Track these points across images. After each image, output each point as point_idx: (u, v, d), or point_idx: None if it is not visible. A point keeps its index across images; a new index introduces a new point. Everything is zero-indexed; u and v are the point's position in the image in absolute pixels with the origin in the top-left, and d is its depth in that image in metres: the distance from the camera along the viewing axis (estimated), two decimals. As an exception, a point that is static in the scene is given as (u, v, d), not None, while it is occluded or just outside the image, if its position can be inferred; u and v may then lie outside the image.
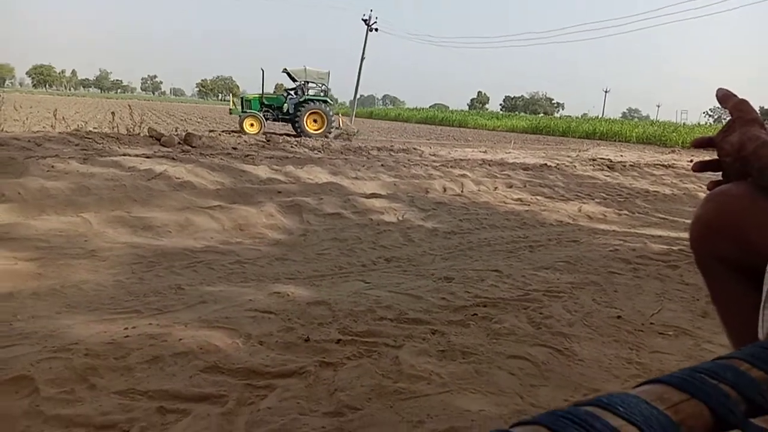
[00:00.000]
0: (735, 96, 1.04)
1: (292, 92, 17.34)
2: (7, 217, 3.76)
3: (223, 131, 13.55)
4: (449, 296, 2.75)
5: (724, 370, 0.51)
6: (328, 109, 16.71)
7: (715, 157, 1.06)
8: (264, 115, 16.31)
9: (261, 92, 17.04)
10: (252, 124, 15.63)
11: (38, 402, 1.59)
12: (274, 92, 18.58)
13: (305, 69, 17.02)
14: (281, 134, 15.19)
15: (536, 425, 0.38)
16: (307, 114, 16.35)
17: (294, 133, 16.29)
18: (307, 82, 17.18)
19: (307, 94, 16.97)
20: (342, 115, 19.43)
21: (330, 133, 16.46)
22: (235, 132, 14.48)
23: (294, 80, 17.30)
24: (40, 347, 1.93)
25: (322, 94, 17.36)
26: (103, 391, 1.67)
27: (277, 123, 17.23)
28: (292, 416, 1.59)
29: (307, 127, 16.27)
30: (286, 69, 17.06)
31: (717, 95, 1.07)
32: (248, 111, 16.18)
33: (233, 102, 17.60)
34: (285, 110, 16.79)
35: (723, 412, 0.46)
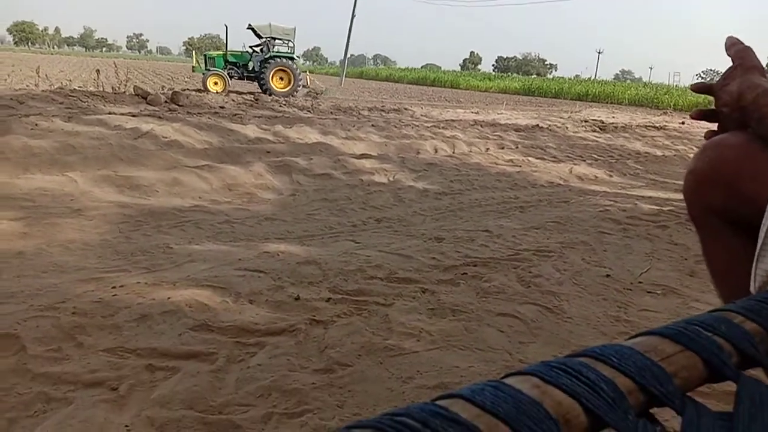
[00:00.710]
0: (741, 43, 1.00)
1: (257, 49, 16.64)
2: (-9, 176, 3.69)
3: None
4: (439, 256, 2.75)
5: (719, 323, 0.50)
6: (294, 66, 16.06)
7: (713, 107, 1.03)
8: (229, 74, 15.56)
9: (225, 50, 16.30)
10: (216, 83, 14.91)
11: (25, 360, 1.57)
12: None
13: (270, 25, 16.32)
14: (248, 94, 14.53)
15: (529, 375, 0.38)
16: (273, 71, 15.71)
17: (260, 92, 15.64)
18: (273, 39, 16.41)
19: (273, 51, 16.27)
20: (309, 72, 18.55)
21: (297, 91, 15.85)
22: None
23: (259, 37, 16.60)
24: (26, 306, 1.91)
25: (289, 51, 16.61)
26: (91, 349, 1.66)
27: (242, 81, 16.58)
28: (282, 373, 1.60)
29: (273, 86, 15.64)
30: (250, 25, 16.34)
31: (725, 42, 1.04)
32: (212, 69, 15.40)
33: (196, 60, 16.83)
34: (251, 68, 16.13)
35: (716, 363, 0.45)
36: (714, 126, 1.04)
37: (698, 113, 1.07)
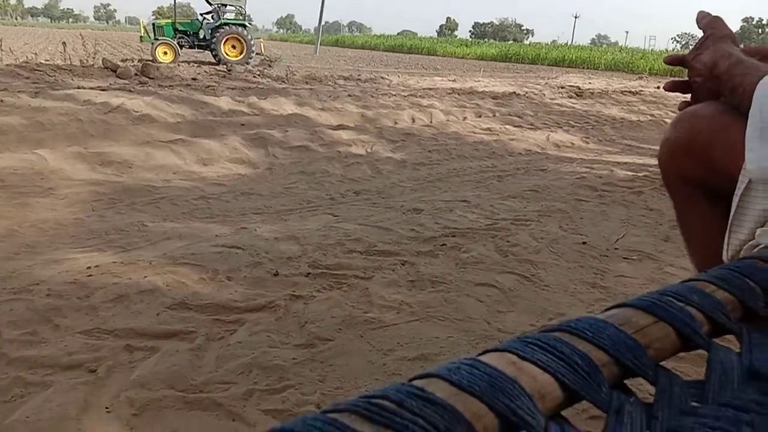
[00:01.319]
0: (710, 15, 1.00)
1: (208, 16, 15.98)
2: (-44, 155, 3.58)
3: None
4: (418, 227, 2.75)
5: (691, 293, 0.51)
6: (246, 33, 15.49)
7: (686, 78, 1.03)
8: (179, 42, 14.95)
9: (173, 18, 15.68)
10: (165, 53, 14.30)
11: (0, 344, 1.55)
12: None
13: None
14: (197, 63, 14.10)
15: (505, 352, 0.38)
16: (225, 39, 15.10)
17: (214, 61, 15.01)
18: (224, 5, 15.74)
19: (224, 19, 15.60)
20: (261, 39, 18.08)
21: (251, 59, 15.28)
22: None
23: (210, 3, 15.92)
24: (-2, 289, 1.87)
25: (240, 17, 16.03)
26: (68, 331, 1.64)
27: (193, 50, 15.98)
28: (262, 349, 1.60)
29: (225, 54, 15.05)
30: None
31: (697, 17, 1.03)
32: (161, 38, 14.75)
33: (144, 29, 15.96)
34: (202, 36, 15.49)
35: (688, 333, 0.46)
36: (688, 97, 1.04)
37: (671, 85, 1.07)
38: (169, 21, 15.49)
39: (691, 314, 0.48)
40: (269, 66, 14.12)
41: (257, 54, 15.83)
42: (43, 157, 3.64)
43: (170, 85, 7.28)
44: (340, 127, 5.54)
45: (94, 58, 10.61)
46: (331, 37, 71.52)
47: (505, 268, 2.28)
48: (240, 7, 15.96)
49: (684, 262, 2.34)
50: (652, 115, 8.64)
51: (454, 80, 13.30)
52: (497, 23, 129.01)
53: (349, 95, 7.63)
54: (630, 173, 4.22)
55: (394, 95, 8.19)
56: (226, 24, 15.36)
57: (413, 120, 6.46)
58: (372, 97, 7.72)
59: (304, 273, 2.14)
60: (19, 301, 1.79)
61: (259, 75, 9.79)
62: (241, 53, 15.27)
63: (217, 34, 15.15)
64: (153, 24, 15.54)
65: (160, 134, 4.60)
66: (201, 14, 16.26)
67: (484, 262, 2.33)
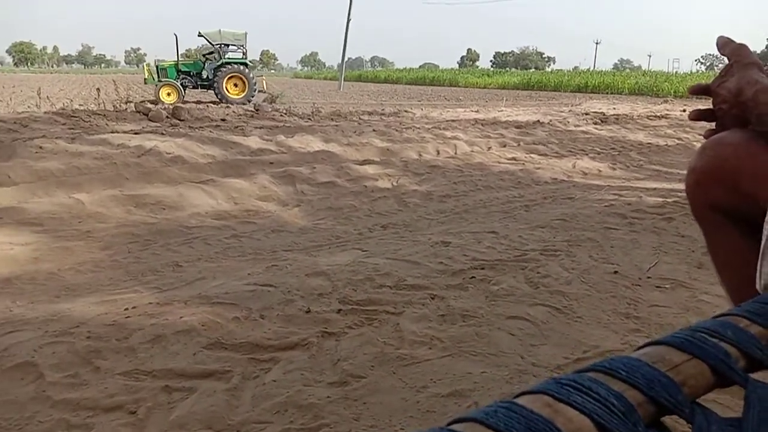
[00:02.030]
0: (733, 41, 1.00)
1: (210, 56, 16.35)
2: (-1, 201, 3.73)
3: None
4: (447, 260, 2.76)
5: (724, 328, 0.51)
6: (248, 71, 15.75)
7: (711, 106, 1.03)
8: (182, 83, 15.35)
9: (176, 59, 15.96)
10: (169, 93, 14.65)
11: (44, 387, 1.60)
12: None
13: (220, 31, 15.98)
14: (206, 102, 14.17)
15: (540, 394, 0.39)
16: (227, 78, 15.37)
17: (216, 100, 15.23)
18: (226, 45, 16.11)
19: (226, 58, 15.91)
20: (264, 77, 18.02)
21: (253, 97, 15.43)
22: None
23: (212, 44, 16.30)
24: (41, 332, 1.93)
25: (241, 56, 16.26)
26: (108, 373, 1.68)
27: (196, 90, 16.33)
28: (297, 388, 1.61)
29: (227, 93, 15.30)
30: (200, 32, 15.96)
31: (717, 43, 1.04)
32: (164, 80, 15.18)
33: (148, 71, 16.36)
34: (204, 76, 15.84)
35: (724, 369, 0.46)
36: (713, 125, 1.04)
37: (696, 114, 1.08)
38: (173, 62, 15.82)
39: (725, 350, 0.48)
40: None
41: (260, 91, 16.05)
42: (80, 200, 3.77)
43: (200, 127, 7.48)
44: (365, 161, 5.62)
45: (126, 102, 10.96)
46: (354, 73, 72.70)
47: (536, 300, 2.27)
48: (241, 46, 16.24)
49: (719, 289, 2.29)
50: (679, 139, 8.55)
51: (477, 111, 13.37)
52: (518, 52, 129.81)
53: (374, 130, 7.73)
54: (659, 199, 4.17)
55: (418, 128, 8.27)
56: (227, 63, 15.63)
57: (438, 152, 6.51)
58: (396, 131, 7.81)
59: (335, 309, 2.16)
60: (60, 344, 1.84)
61: (285, 113, 9.99)
62: (243, 91, 15.50)
63: (219, 73, 15.41)
64: (157, 66, 15.87)
65: (191, 175, 4.72)
66: (204, 54, 16.65)
67: (514, 295, 2.32)
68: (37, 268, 2.70)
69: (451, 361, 1.78)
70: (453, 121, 9.87)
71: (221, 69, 15.53)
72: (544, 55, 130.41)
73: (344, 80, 35.30)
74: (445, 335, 1.96)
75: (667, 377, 0.44)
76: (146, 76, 16.17)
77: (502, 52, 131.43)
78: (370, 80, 61.87)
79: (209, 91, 16.09)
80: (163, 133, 6.37)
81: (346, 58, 35.93)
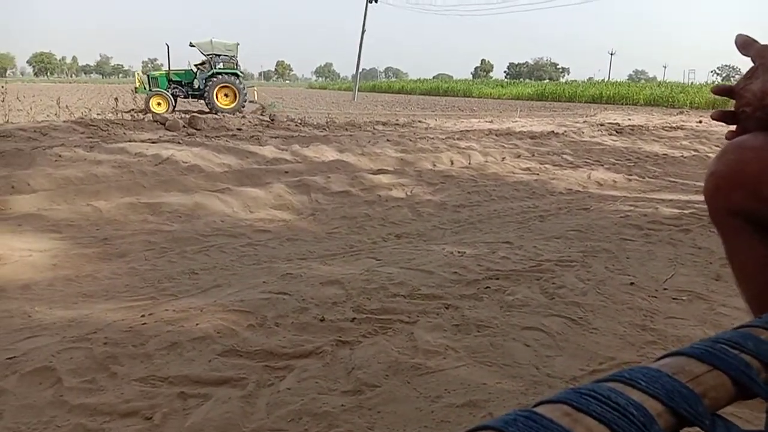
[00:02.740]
0: (756, 42, 0.99)
1: (202, 66, 16.28)
2: (19, 208, 3.78)
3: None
4: (461, 270, 2.76)
5: (745, 339, 0.51)
6: (239, 82, 15.76)
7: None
8: (174, 93, 15.37)
9: (168, 69, 16.01)
10: (159, 103, 14.66)
11: (62, 392, 1.62)
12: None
13: (212, 41, 15.98)
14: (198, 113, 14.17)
15: (560, 403, 0.39)
16: (217, 88, 15.37)
17: (207, 110, 15.16)
18: (217, 55, 16.08)
19: (217, 68, 15.89)
20: (255, 87, 18.04)
21: (243, 107, 15.46)
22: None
23: (204, 54, 16.25)
24: (59, 338, 1.96)
25: (232, 66, 16.21)
26: (124, 378, 1.70)
27: (188, 100, 16.24)
28: (311, 396, 1.62)
29: (218, 103, 15.29)
30: (192, 42, 16.00)
31: (736, 41, 1.01)
32: (155, 89, 15.20)
33: (139, 80, 16.26)
34: (196, 86, 15.84)
35: (745, 381, 0.46)
36: (734, 127, 1.03)
37: (719, 114, 1.06)
38: (164, 72, 15.89)
39: (746, 362, 0.48)
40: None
41: (251, 101, 16.10)
42: (98, 208, 3.82)
43: (216, 136, 7.55)
44: (380, 171, 5.63)
45: (144, 113, 11.08)
46: (368, 83, 72.97)
47: (552, 311, 2.26)
48: (232, 56, 16.27)
49: (737, 301, 2.27)
50: (695, 150, 8.47)
51: (491, 121, 13.37)
52: (532, 63, 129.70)
53: (388, 140, 7.76)
54: (676, 210, 4.14)
55: (432, 138, 8.28)
56: (218, 73, 15.67)
57: (452, 162, 6.51)
58: (410, 141, 7.83)
59: (349, 318, 2.17)
60: (78, 350, 1.86)
61: (300, 123, 10.06)
62: (233, 102, 15.51)
63: (210, 83, 15.45)
64: (148, 75, 15.96)
65: (207, 183, 4.76)
66: (195, 65, 16.56)
67: (529, 305, 2.31)
68: (56, 274, 2.73)
69: (466, 372, 1.78)
70: (467, 131, 9.88)
71: (212, 79, 15.59)
72: (558, 66, 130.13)
73: (358, 91, 35.46)
74: (459, 345, 1.95)
75: (688, 388, 0.43)
76: (137, 86, 16.16)
77: (516, 63, 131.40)
78: (384, 91, 62.09)
79: (200, 100, 16.13)
80: (179, 143, 6.44)
81: (360, 69, 36.13)
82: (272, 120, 10.16)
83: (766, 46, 0.97)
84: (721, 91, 1.04)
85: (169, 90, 15.41)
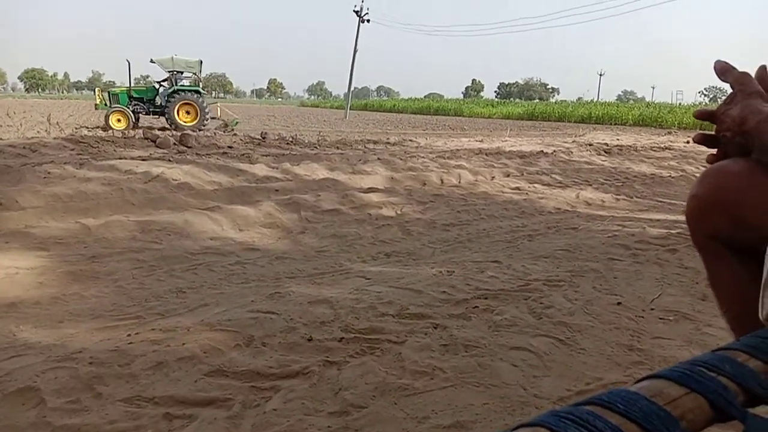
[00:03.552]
0: (735, 69, 1.01)
1: (164, 83, 16.40)
2: (6, 225, 3.76)
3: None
4: (450, 289, 2.76)
5: (723, 362, 0.51)
6: (200, 99, 15.78)
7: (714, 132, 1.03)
8: (135, 110, 15.41)
9: (129, 85, 16.05)
10: (119, 120, 14.70)
11: (45, 413, 1.59)
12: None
13: (173, 58, 15.99)
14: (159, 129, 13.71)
15: (538, 426, 0.39)
16: (178, 105, 15.40)
17: (168, 127, 15.13)
18: (180, 72, 16.18)
19: (179, 85, 16.01)
20: (218, 104, 18.08)
21: (205, 124, 15.42)
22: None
23: (166, 71, 16.33)
24: (44, 357, 1.94)
25: (193, 84, 16.37)
26: (109, 399, 1.68)
27: (149, 116, 16.32)
28: (297, 417, 1.61)
29: (178, 120, 15.31)
30: (153, 59, 15.96)
31: (715, 68, 1.04)
32: (115, 106, 15.20)
33: (99, 96, 16.19)
34: (158, 103, 15.86)
35: (722, 404, 0.46)
36: (715, 151, 1.05)
37: (701, 137, 1.08)
38: (125, 89, 15.87)
39: (724, 384, 0.48)
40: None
41: (213, 118, 16.11)
42: (86, 226, 3.80)
43: (207, 154, 7.55)
44: (370, 189, 5.65)
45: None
46: (360, 102, 73.45)
47: (540, 331, 2.27)
48: (193, 73, 16.32)
49: (723, 322, 2.28)
50: (683, 171, 8.57)
51: (481, 140, 13.47)
52: (522, 83, 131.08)
53: (379, 158, 7.79)
54: (663, 230, 4.17)
55: (423, 157, 8.33)
56: (180, 90, 15.69)
57: (442, 181, 6.55)
58: (401, 159, 7.87)
59: (337, 338, 2.16)
60: (63, 369, 1.84)
61: (292, 141, 10.09)
62: (195, 119, 15.50)
63: (172, 100, 15.47)
64: (108, 92, 15.94)
65: (197, 201, 4.76)
66: (158, 82, 16.65)
67: (517, 325, 2.32)
68: (42, 292, 2.71)
69: (453, 392, 1.78)
70: (457, 150, 9.94)
71: (173, 96, 15.61)
72: (548, 86, 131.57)
73: (350, 109, 35.67)
74: (447, 365, 1.95)
75: (665, 411, 0.44)
76: (97, 102, 16.14)
77: (507, 82, 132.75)
78: (375, 109, 62.50)
79: (161, 117, 16.12)
80: (170, 160, 6.44)
81: (352, 88, 36.37)
82: (263, 138, 10.19)
83: (745, 74, 0.99)
84: (703, 115, 1.06)
85: (130, 107, 15.39)
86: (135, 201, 4.60)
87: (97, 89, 17.06)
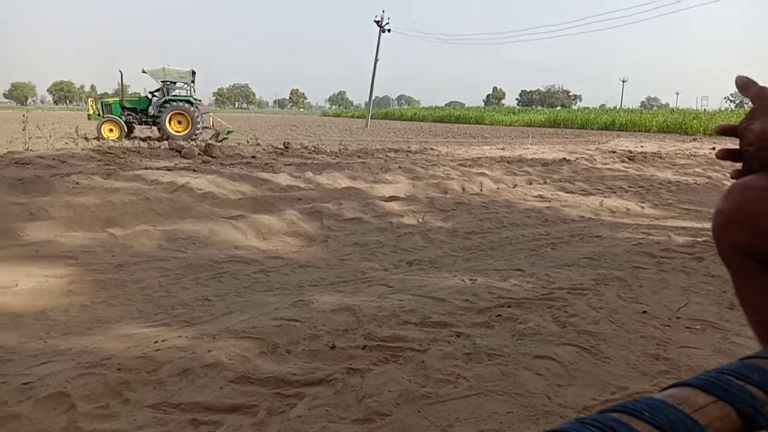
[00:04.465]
0: (755, 83, 1.01)
1: (157, 93, 16.43)
2: (36, 235, 3.85)
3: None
4: (472, 298, 2.75)
5: (751, 371, 0.51)
6: (192, 109, 15.76)
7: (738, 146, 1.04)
8: (128, 119, 15.54)
9: (121, 95, 16.26)
10: (111, 130, 14.86)
11: (76, 418, 1.63)
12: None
13: (164, 69, 16.12)
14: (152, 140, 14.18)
15: None
16: (170, 115, 15.45)
17: (161, 137, 15.32)
18: (172, 82, 16.23)
19: (171, 95, 16.02)
20: (211, 114, 18.06)
21: (197, 134, 15.52)
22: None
23: (159, 81, 16.39)
24: (74, 363, 1.98)
25: (186, 93, 16.33)
26: (137, 405, 1.71)
27: (142, 126, 16.35)
28: (322, 424, 1.62)
29: (170, 129, 15.35)
30: (144, 69, 16.12)
31: (736, 83, 1.04)
32: (108, 116, 15.32)
33: (92, 106, 16.27)
34: (151, 113, 15.89)
35: (750, 413, 0.46)
36: (739, 165, 1.05)
37: (724, 153, 1.07)
38: (117, 99, 16.00)
39: (752, 393, 0.48)
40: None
41: (205, 128, 16.17)
42: (113, 235, 3.87)
43: (231, 164, 7.64)
44: (391, 198, 5.66)
45: (160, 140, 11.24)
46: (381, 111, 73.72)
47: (564, 340, 2.25)
48: (185, 83, 16.36)
49: (751, 331, 2.24)
50: (709, 177, 8.44)
51: (502, 148, 13.41)
52: (544, 90, 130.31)
53: (400, 167, 7.81)
54: (689, 238, 4.11)
55: (444, 165, 8.33)
56: (171, 100, 15.75)
57: (463, 189, 6.53)
58: (422, 168, 7.88)
59: (360, 345, 2.17)
60: (92, 375, 1.88)
61: (314, 151, 10.16)
62: (186, 128, 15.55)
63: (164, 110, 15.55)
64: (101, 102, 16.04)
65: (222, 211, 4.82)
66: (150, 92, 16.72)
67: (541, 334, 2.30)
68: (71, 300, 2.77)
69: (477, 401, 1.77)
70: (479, 158, 9.91)
71: (165, 106, 15.69)
72: (570, 93, 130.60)
73: (371, 118, 35.84)
74: (470, 374, 1.94)
75: (692, 419, 0.43)
76: (90, 112, 16.27)
77: (528, 90, 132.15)
78: (396, 118, 62.65)
79: (153, 127, 16.20)
80: (195, 170, 6.53)
81: (373, 97, 36.54)
82: (286, 147, 10.28)
83: (765, 88, 0.99)
84: (725, 130, 1.06)
85: (123, 117, 15.55)
86: (161, 210, 4.68)
87: (90, 99, 17.26)
